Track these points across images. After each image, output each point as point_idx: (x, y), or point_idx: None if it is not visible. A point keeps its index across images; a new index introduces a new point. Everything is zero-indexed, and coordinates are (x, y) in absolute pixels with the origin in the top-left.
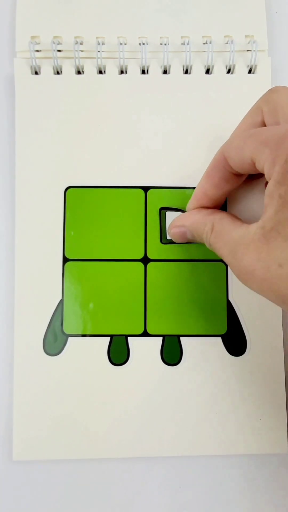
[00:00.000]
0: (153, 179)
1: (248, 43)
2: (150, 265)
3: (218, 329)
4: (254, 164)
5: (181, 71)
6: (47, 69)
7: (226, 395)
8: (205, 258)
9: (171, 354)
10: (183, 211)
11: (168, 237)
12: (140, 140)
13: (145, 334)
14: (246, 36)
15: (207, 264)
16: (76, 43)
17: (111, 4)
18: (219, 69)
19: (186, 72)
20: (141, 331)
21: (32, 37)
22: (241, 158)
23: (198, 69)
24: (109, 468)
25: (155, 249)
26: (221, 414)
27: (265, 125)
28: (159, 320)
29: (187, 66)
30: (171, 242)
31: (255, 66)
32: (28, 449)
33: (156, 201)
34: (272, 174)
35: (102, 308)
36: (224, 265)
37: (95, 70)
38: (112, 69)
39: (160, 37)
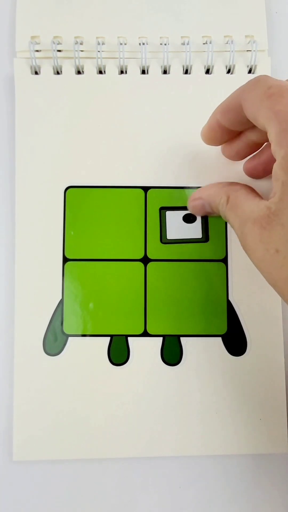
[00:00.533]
0: (153, 179)
1: (248, 43)
2: (150, 265)
3: (218, 329)
4: (266, 131)
5: (181, 71)
6: (47, 69)
7: (226, 395)
8: (205, 258)
9: (171, 354)
10: (183, 210)
11: (189, 211)
12: (140, 140)
13: (145, 334)
14: (246, 36)
15: (207, 264)
16: (76, 43)
17: (111, 4)
18: (219, 69)
19: (186, 72)
20: (141, 331)
21: (32, 37)
22: (255, 117)
23: (198, 69)
24: (109, 468)
25: (155, 249)
26: (221, 414)
27: None
28: (159, 320)
29: (187, 66)
30: (171, 242)
31: (255, 66)
32: (28, 449)
33: (156, 201)
34: (277, 155)
35: (102, 308)
36: (224, 265)
37: (95, 70)
38: (112, 69)
39: (160, 37)
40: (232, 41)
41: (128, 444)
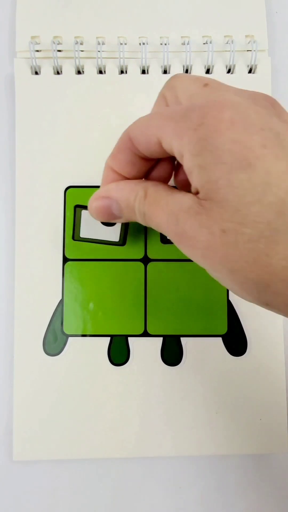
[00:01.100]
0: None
1: (248, 43)
2: (150, 265)
3: (218, 329)
4: (160, 144)
5: (181, 71)
6: (47, 69)
7: (226, 395)
8: None
9: (171, 354)
10: None
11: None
12: None
13: (145, 334)
14: (246, 36)
15: None
16: (76, 43)
17: (111, 4)
18: (219, 69)
19: (187, 72)
20: (141, 331)
21: (32, 37)
22: (147, 137)
23: (198, 69)
24: (109, 468)
25: (155, 249)
26: (221, 414)
27: None
28: (159, 320)
29: (187, 66)
30: (171, 242)
31: (255, 66)
32: (28, 449)
33: None
34: (182, 147)
35: (102, 308)
36: None
37: (95, 70)
38: (112, 69)
39: (160, 37)
40: (232, 41)
41: (128, 444)
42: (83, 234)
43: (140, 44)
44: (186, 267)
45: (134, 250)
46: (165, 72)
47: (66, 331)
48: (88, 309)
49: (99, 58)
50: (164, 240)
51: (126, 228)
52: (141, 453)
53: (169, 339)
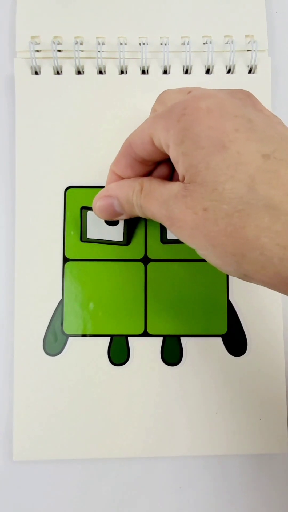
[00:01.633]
0: None
1: (248, 43)
2: (150, 265)
3: (218, 329)
4: (153, 142)
5: (181, 71)
6: (47, 69)
7: (226, 395)
8: None
9: (171, 354)
10: None
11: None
12: None
13: (145, 334)
14: (246, 36)
15: (207, 264)
16: (76, 43)
17: (111, 4)
18: (219, 69)
19: (186, 72)
20: (141, 331)
21: (32, 37)
22: (142, 139)
23: (198, 69)
24: (109, 468)
25: (155, 249)
26: (221, 414)
27: None
28: (159, 320)
29: (187, 66)
30: (171, 242)
31: (255, 66)
32: (28, 449)
33: None
34: (168, 139)
35: (102, 308)
36: None
37: (95, 70)
38: (112, 69)
39: (160, 37)
40: (232, 41)
41: (128, 444)
42: (90, 235)
43: (140, 44)
44: (186, 267)
45: (134, 250)
46: (165, 72)
47: (66, 331)
48: (88, 309)
49: (99, 58)
50: (164, 240)
51: (129, 228)
52: (141, 453)
53: (169, 339)
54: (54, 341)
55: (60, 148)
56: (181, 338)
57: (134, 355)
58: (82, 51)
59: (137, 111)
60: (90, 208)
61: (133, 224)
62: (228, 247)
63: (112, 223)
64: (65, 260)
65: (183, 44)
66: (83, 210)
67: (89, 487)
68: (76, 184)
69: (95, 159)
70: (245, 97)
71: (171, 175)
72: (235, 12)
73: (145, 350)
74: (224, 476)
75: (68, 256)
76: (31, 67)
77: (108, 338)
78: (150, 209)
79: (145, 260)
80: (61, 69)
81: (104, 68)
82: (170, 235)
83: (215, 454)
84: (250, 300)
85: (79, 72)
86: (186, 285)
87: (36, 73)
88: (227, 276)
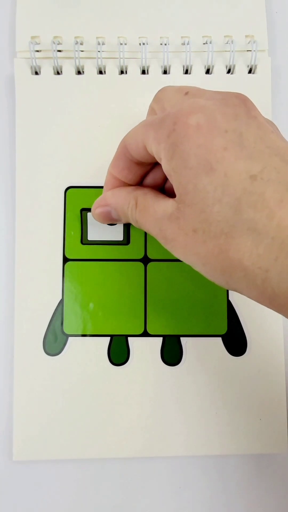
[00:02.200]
0: None
1: (248, 43)
2: (150, 265)
3: (218, 329)
4: (146, 149)
5: (181, 71)
6: (47, 69)
7: (226, 395)
8: None
9: (171, 354)
10: None
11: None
12: None
13: (145, 334)
14: (246, 36)
15: None
16: (76, 43)
17: (111, 4)
18: (219, 69)
19: (186, 72)
20: (141, 331)
21: (32, 37)
22: (136, 144)
23: (198, 69)
24: (109, 468)
25: (155, 249)
26: (221, 414)
27: None
28: (159, 320)
29: (187, 66)
30: None
31: (255, 66)
32: (28, 449)
33: None
34: (160, 152)
35: (102, 308)
36: None
37: (95, 70)
38: (112, 69)
39: (160, 37)
40: (232, 41)
41: (128, 444)
42: (90, 237)
43: (140, 44)
44: (186, 267)
45: (134, 250)
46: (165, 72)
47: (66, 331)
48: (88, 309)
49: (99, 58)
50: None
51: (128, 227)
52: (141, 453)
53: (169, 339)
54: (54, 341)
55: (60, 148)
56: (181, 338)
57: (134, 355)
58: (82, 51)
59: (137, 111)
60: (90, 210)
61: (130, 224)
62: (217, 266)
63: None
64: (65, 260)
65: (183, 44)
66: (83, 212)
67: (89, 487)
68: (76, 184)
69: (95, 159)
70: (239, 104)
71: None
72: (235, 12)
73: (145, 350)
74: (224, 476)
75: (68, 256)
76: (31, 67)
77: (108, 338)
78: (145, 226)
79: (145, 260)
80: (61, 69)
81: (104, 68)
82: None
83: (214, 454)
84: (250, 300)
85: (79, 72)
86: (186, 285)
87: (36, 73)
88: None
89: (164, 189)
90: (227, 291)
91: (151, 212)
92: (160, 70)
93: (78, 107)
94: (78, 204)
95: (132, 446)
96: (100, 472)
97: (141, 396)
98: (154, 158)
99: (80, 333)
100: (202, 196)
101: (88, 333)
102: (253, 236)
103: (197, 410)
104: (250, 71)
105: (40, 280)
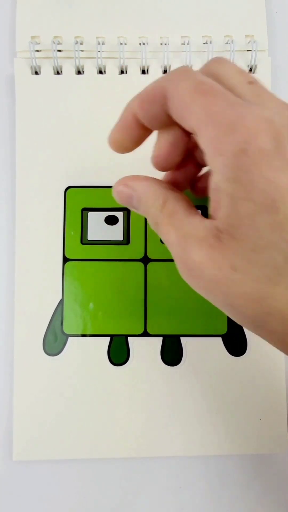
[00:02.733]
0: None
1: (248, 43)
2: (150, 265)
3: (218, 329)
4: (193, 133)
5: None
6: (47, 69)
7: (226, 395)
8: None
9: (171, 354)
10: None
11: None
12: None
13: (145, 334)
14: (246, 36)
15: None
16: (76, 43)
17: (111, 4)
18: None
19: None
20: (141, 331)
21: (32, 37)
22: (182, 116)
23: (198, 69)
24: (109, 468)
25: (155, 249)
26: (221, 414)
27: None
28: (159, 320)
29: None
30: None
31: (255, 66)
32: (28, 449)
33: None
34: (215, 163)
35: (102, 308)
36: None
37: (95, 70)
38: (112, 69)
39: (160, 37)
40: (232, 41)
41: (128, 444)
42: (90, 237)
43: (140, 44)
44: None
45: (134, 250)
46: (165, 72)
47: (66, 331)
48: (88, 309)
49: (99, 58)
50: None
51: (129, 227)
52: (141, 453)
53: (169, 339)
54: (54, 341)
55: (60, 148)
56: (181, 338)
57: (134, 355)
58: (82, 51)
59: None
60: (91, 209)
61: (133, 223)
62: (249, 311)
63: (112, 222)
64: (65, 260)
65: (183, 44)
66: (83, 211)
67: (89, 487)
68: (76, 184)
69: (95, 159)
70: None
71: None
72: (235, 12)
73: (145, 350)
74: (224, 476)
75: (68, 256)
76: (31, 67)
77: (108, 338)
78: (165, 236)
79: (145, 260)
80: (61, 69)
81: (104, 68)
82: None
83: (215, 454)
84: None
85: (79, 72)
86: (186, 285)
87: (36, 73)
88: None
89: (194, 187)
90: None
91: (177, 224)
92: (160, 70)
93: (78, 107)
94: (78, 204)
95: (131, 446)
96: (100, 472)
97: (141, 396)
98: (179, 127)
99: (80, 333)
100: (257, 235)
101: (88, 333)
102: None
103: (197, 410)
104: (250, 71)
105: (40, 280)
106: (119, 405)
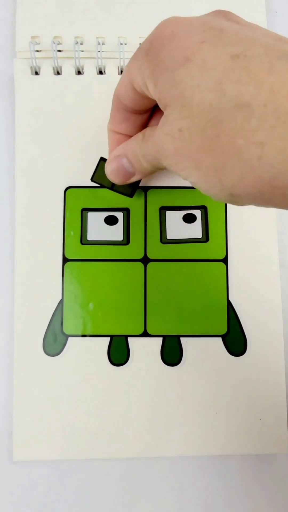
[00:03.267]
0: (153, 179)
1: None
2: (150, 265)
3: (218, 329)
4: (135, 88)
5: None
6: (47, 69)
7: (226, 395)
8: (205, 258)
9: (171, 354)
10: (183, 209)
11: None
12: None
13: (145, 334)
14: None
15: (207, 264)
16: (76, 43)
17: (111, 4)
18: None
19: None
20: (141, 331)
21: (32, 37)
22: (125, 87)
23: None
24: (109, 468)
25: (155, 249)
26: (221, 414)
27: None
28: (159, 320)
29: None
30: (171, 242)
31: None
32: (28, 449)
33: (156, 200)
34: (144, 78)
35: (102, 308)
36: (224, 265)
37: (95, 70)
38: (112, 69)
39: None
40: None
41: (128, 444)
42: (90, 237)
43: (140, 44)
44: (186, 267)
45: (134, 250)
46: None
47: (66, 331)
48: (88, 309)
49: (99, 58)
50: (164, 240)
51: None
52: (141, 454)
53: (169, 339)
54: (54, 342)
55: (60, 148)
56: (181, 338)
57: (134, 355)
58: (82, 51)
59: None
60: (90, 210)
61: (132, 223)
62: (207, 162)
63: (111, 222)
64: (65, 260)
65: None
66: (83, 211)
67: (89, 488)
68: (76, 184)
69: (95, 159)
70: (219, 15)
71: None
72: (235, 12)
73: (145, 350)
74: (224, 476)
75: (67, 256)
76: (31, 67)
77: (108, 338)
78: (151, 154)
79: (145, 260)
80: (61, 69)
81: (104, 68)
82: (170, 235)
83: (215, 454)
84: (250, 300)
85: (79, 72)
86: (186, 285)
87: (36, 73)
88: (227, 276)
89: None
90: (227, 291)
91: (153, 137)
92: None
93: (78, 107)
94: (78, 204)
95: (132, 446)
96: (99, 473)
97: (141, 396)
98: (146, 99)
99: (80, 333)
100: (180, 89)
101: (88, 333)
102: (242, 110)
103: (197, 410)
104: None
105: (39, 280)
106: (119, 405)
